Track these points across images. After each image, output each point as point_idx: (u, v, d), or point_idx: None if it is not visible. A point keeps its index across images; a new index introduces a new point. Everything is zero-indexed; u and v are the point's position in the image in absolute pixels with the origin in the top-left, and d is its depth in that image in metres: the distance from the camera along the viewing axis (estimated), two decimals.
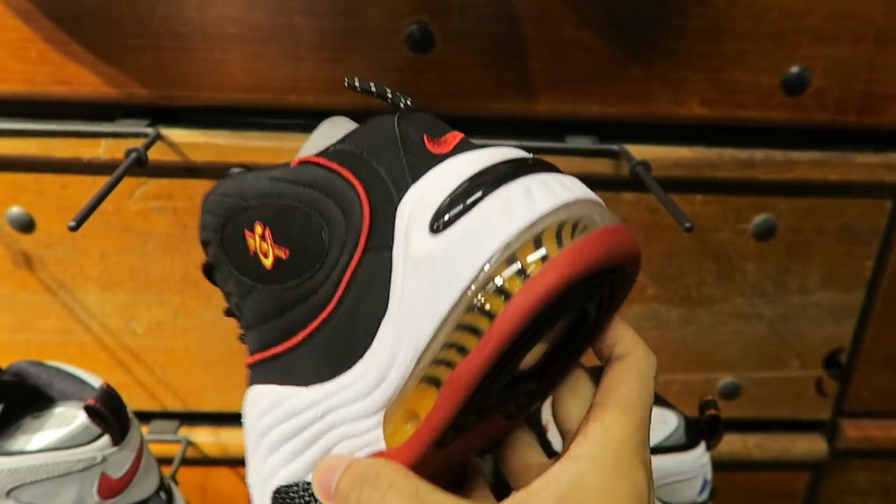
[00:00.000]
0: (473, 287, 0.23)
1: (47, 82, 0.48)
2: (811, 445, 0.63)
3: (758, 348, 0.59)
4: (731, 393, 0.60)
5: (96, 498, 0.39)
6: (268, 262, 0.29)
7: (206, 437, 0.59)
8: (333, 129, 0.30)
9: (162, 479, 0.43)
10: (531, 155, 0.27)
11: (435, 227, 0.24)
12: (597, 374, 0.27)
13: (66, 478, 0.37)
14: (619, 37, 0.48)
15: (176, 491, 0.45)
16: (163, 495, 0.43)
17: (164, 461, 0.49)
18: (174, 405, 0.59)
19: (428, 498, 0.24)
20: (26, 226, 0.52)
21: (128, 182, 0.50)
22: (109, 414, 0.38)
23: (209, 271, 0.33)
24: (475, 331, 0.23)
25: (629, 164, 0.48)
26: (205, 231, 0.31)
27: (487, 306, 0.23)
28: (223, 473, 0.62)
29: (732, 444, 0.62)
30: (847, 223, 0.55)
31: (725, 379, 0.60)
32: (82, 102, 0.49)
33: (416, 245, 0.24)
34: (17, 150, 0.49)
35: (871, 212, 0.54)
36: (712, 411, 0.42)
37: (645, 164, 0.48)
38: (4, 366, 0.41)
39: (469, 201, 0.24)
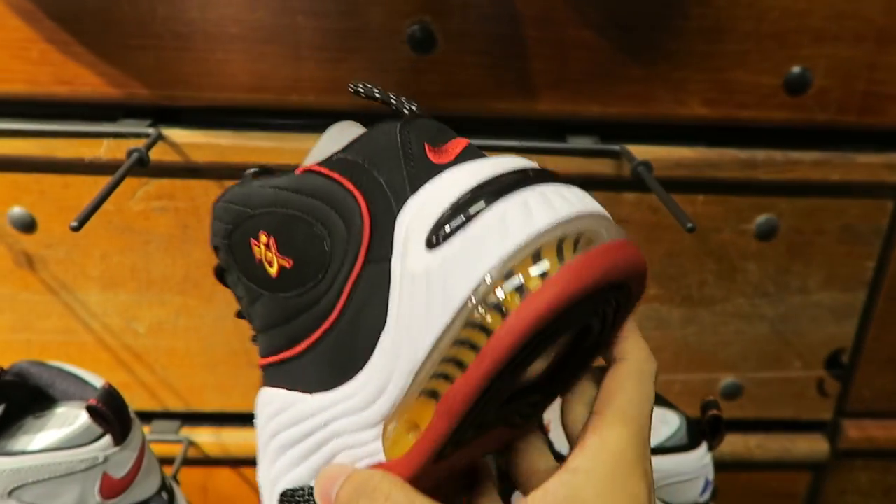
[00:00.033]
0: (473, 300, 0.23)
1: (49, 82, 0.48)
2: (812, 446, 0.63)
3: (759, 348, 0.59)
4: (732, 393, 0.60)
5: (98, 498, 0.39)
6: (273, 271, 0.29)
7: (207, 437, 0.59)
8: (341, 134, 0.30)
9: (163, 479, 0.43)
10: (534, 165, 0.26)
11: (431, 243, 0.24)
12: (601, 374, 0.27)
13: (67, 478, 0.37)
14: (620, 37, 0.48)
15: (177, 491, 0.45)
16: (164, 495, 0.43)
17: (165, 461, 0.49)
18: (175, 405, 0.59)
19: None
20: (28, 226, 0.52)
21: (129, 182, 0.50)
22: (111, 414, 0.38)
23: (221, 274, 0.33)
24: (473, 346, 0.22)
25: (630, 164, 0.48)
26: (214, 237, 0.32)
27: (485, 322, 0.22)
28: (224, 473, 0.62)
29: (734, 444, 0.62)
30: (848, 223, 0.55)
31: (727, 379, 0.60)
32: (84, 102, 0.49)
33: (412, 260, 0.24)
34: (19, 151, 0.49)
35: (873, 212, 0.54)
36: (714, 412, 0.42)
37: (646, 165, 0.48)
38: (6, 366, 0.41)
39: (465, 216, 0.24)
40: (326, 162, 0.29)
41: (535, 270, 0.22)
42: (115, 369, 0.57)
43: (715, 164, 0.51)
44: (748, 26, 0.48)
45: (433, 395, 0.23)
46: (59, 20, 0.46)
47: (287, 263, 0.28)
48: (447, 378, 0.23)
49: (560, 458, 0.26)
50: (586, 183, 0.50)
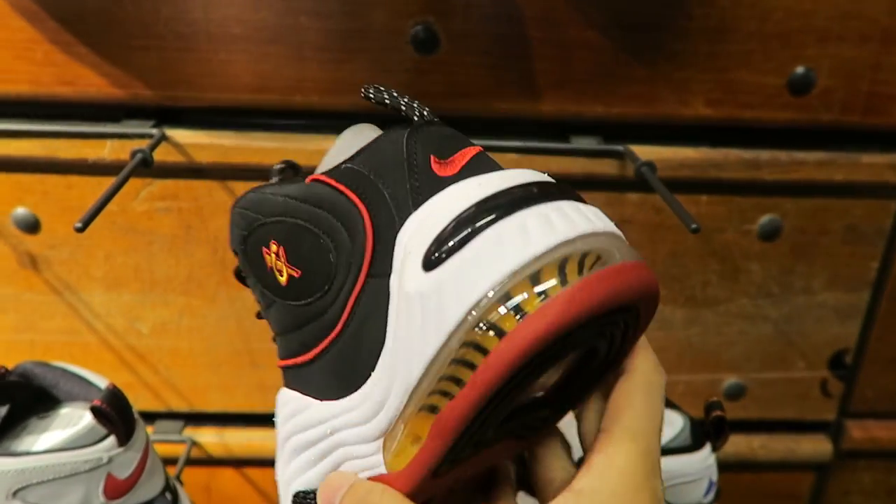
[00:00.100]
0: (470, 321, 0.22)
1: (52, 83, 0.48)
2: (816, 446, 0.63)
3: (762, 349, 0.59)
4: (735, 393, 0.60)
5: (102, 498, 0.39)
6: (283, 280, 0.29)
7: (210, 438, 0.59)
8: (355, 139, 0.30)
9: (167, 479, 0.43)
10: (541, 178, 0.25)
11: (427, 263, 0.23)
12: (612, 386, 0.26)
13: (72, 478, 0.37)
14: (623, 37, 0.48)
15: (181, 491, 0.45)
16: (168, 496, 0.43)
17: (168, 461, 0.49)
18: (179, 405, 0.59)
19: None
20: (31, 226, 0.52)
21: (133, 183, 0.50)
22: (115, 415, 0.38)
23: (241, 277, 0.33)
24: (471, 366, 0.22)
25: (634, 164, 0.48)
26: (232, 242, 0.32)
27: (482, 343, 0.22)
28: (228, 473, 0.62)
29: (737, 444, 0.61)
30: (852, 224, 0.54)
31: (730, 380, 0.60)
32: (87, 103, 0.49)
33: (408, 280, 0.24)
34: (23, 151, 0.49)
35: (877, 212, 0.54)
36: (718, 412, 0.42)
37: (650, 165, 0.48)
38: (10, 366, 0.41)
39: (462, 237, 0.23)
40: (334, 171, 0.28)
41: (533, 292, 0.21)
42: (118, 370, 0.57)
43: (718, 165, 0.51)
44: (752, 26, 0.48)
45: (433, 410, 0.23)
46: (63, 21, 0.46)
47: (295, 273, 0.28)
48: (447, 395, 0.23)
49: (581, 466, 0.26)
50: (589, 183, 0.51)
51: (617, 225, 0.24)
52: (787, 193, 0.53)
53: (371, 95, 0.30)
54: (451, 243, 0.23)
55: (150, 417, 0.59)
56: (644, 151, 0.49)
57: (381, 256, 0.26)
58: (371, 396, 0.25)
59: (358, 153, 0.28)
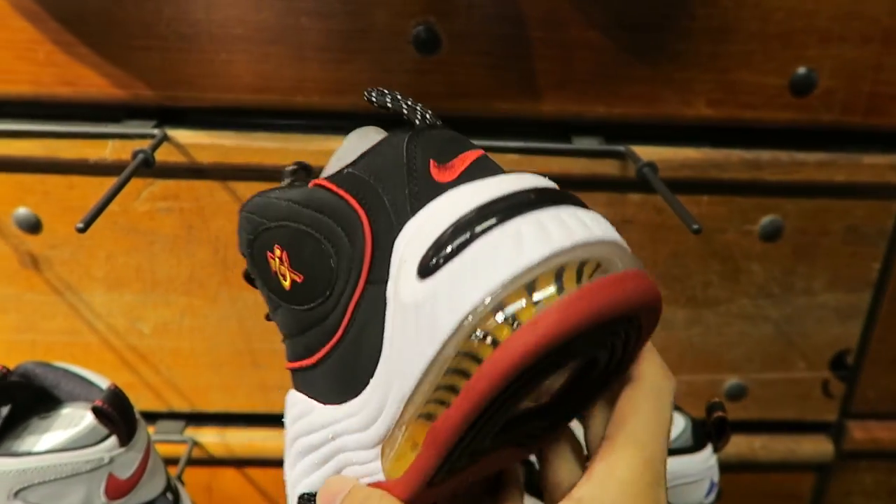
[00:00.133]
0: (465, 330, 0.21)
1: (54, 83, 0.48)
2: (817, 447, 0.63)
3: (764, 349, 0.59)
4: (736, 394, 0.60)
5: (104, 499, 0.39)
6: (286, 284, 0.29)
7: (211, 438, 0.59)
8: (360, 142, 0.29)
9: (169, 479, 0.43)
10: (539, 184, 0.25)
11: (422, 272, 0.23)
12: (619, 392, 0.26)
13: (73, 479, 0.37)
14: (625, 37, 0.48)
15: (182, 491, 0.45)
16: (169, 496, 0.43)
17: (169, 461, 0.49)
18: (180, 405, 0.59)
19: None
20: (33, 226, 0.52)
21: (134, 183, 0.50)
22: (117, 415, 0.38)
23: (250, 279, 0.33)
24: (466, 374, 0.22)
25: (635, 165, 0.48)
26: (240, 245, 0.32)
27: (477, 353, 0.21)
28: (229, 474, 0.62)
29: (738, 445, 0.61)
30: (853, 224, 0.54)
31: (731, 380, 0.60)
32: (88, 103, 0.49)
33: (403, 289, 0.23)
34: (24, 152, 0.49)
35: (878, 213, 0.54)
36: (719, 413, 0.42)
37: (651, 165, 0.48)
38: (11, 367, 0.41)
39: (456, 245, 0.22)
40: (336, 176, 0.28)
41: (530, 301, 0.21)
42: (119, 370, 0.57)
43: (720, 165, 0.51)
44: (754, 27, 0.48)
45: (430, 417, 0.23)
46: (64, 21, 0.46)
47: (298, 278, 0.28)
48: (443, 403, 0.22)
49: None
50: (591, 184, 0.51)
51: (618, 230, 0.24)
52: (788, 194, 0.53)
53: (373, 99, 0.30)
54: (445, 252, 0.23)
55: (151, 417, 0.59)
56: (645, 152, 0.49)
57: (380, 263, 0.25)
58: (370, 403, 0.25)
59: (360, 157, 0.28)
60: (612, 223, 0.25)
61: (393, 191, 0.26)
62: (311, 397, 0.28)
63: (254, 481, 0.62)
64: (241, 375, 0.58)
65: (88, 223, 0.37)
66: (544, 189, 0.24)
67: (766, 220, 0.54)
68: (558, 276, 0.21)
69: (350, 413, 0.26)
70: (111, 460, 0.38)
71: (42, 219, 0.52)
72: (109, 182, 0.42)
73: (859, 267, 0.56)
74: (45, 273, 0.54)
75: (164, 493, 0.42)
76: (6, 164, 0.50)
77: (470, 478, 0.27)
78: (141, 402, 0.58)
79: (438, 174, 0.26)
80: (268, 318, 0.32)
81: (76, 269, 0.54)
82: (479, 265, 0.22)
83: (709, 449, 0.45)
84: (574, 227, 0.22)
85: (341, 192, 0.27)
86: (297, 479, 0.29)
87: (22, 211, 0.52)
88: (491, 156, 0.28)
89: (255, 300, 0.55)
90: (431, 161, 0.26)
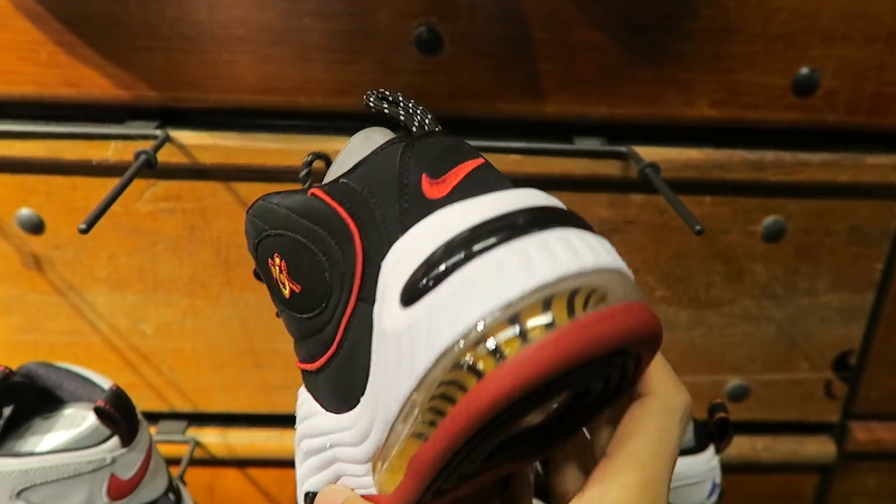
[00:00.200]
0: (445, 360, 0.21)
1: (56, 84, 0.48)
2: (820, 448, 0.62)
3: (766, 350, 0.59)
4: (739, 395, 0.60)
5: (105, 499, 0.39)
6: (286, 292, 0.29)
7: (213, 438, 0.59)
8: (361, 146, 0.28)
9: (171, 479, 0.43)
10: (530, 204, 0.23)
11: (404, 300, 0.22)
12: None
13: (75, 479, 0.37)
14: (628, 38, 0.48)
15: (184, 492, 0.45)
16: (171, 496, 0.43)
17: (171, 462, 0.49)
18: (182, 406, 0.59)
19: None
20: (36, 227, 0.52)
21: (137, 184, 0.50)
22: (119, 415, 0.38)
23: (259, 277, 0.33)
24: (453, 400, 0.21)
25: (638, 165, 0.48)
26: (248, 247, 0.32)
27: (462, 382, 0.20)
28: (231, 474, 0.62)
29: (740, 446, 0.61)
30: (857, 225, 0.54)
31: (734, 381, 0.60)
32: (91, 104, 0.49)
33: (385, 315, 0.23)
34: (27, 152, 0.49)
35: (881, 213, 0.54)
36: (722, 414, 0.42)
37: (654, 166, 0.48)
38: (14, 367, 0.41)
39: (437, 274, 0.21)
40: (332, 185, 0.27)
41: (511, 336, 0.20)
42: (122, 370, 0.57)
43: (723, 166, 0.51)
44: (756, 27, 0.48)
45: (421, 437, 0.22)
46: (67, 22, 0.46)
47: (296, 288, 0.28)
48: (434, 425, 0.22)
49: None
50: (593, 184, 0.51)
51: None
52: (791, 194, 0.53)
53: (371, 104, 0.29)
54: (424, 282, 0.22)
55: (153, 418, 0.59)
56: (648, 152, 0.49)
57: (370, 281, 0.25)
58: (361, 420, 0.25)
59: (356, 166, 0.27)
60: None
61: (384, 206, 0.25)
62: (316, 399, 0.29)
63: (256, 482, 0.62)
64: (242, 376, 0.58)
65: (91, 224, 0.37)
66: (534, 211, 0.22)
67: (769, 220, 0.54)
68: (546, 308, 0.20)
69: (344, 426, 0.26)
70: (113, 461, 0.38)
71: (45, 219, 0.52)
72: (112, 183, 0.42)
73: (862, 267, 0.56)
74: (48, 274, 0.54)
75: (165, 494, 0.42)
76: (9, 165, 0.50)
77: (469, 490, 0.27)
78: (143, 402, 0.58)
79: (430, 190, 0.25)
80: (277, 315, 0.33)
81: (79, 270, 0.54)
82: (459, 298, 0.21)
83: (711, 450, 0.45)
84: (563, 256, 0.21)
85: (334, 205, 0.26)
86: (303, 477, 0.29)
87: (25, 212, 0.52)
88: (493, 157, 0.28)
89: (257, 301, 0.55)
90: (424, 175, 0.25)
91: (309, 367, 0.29)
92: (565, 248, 0.21)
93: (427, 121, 0.28)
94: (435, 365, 0.21)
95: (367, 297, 0.25)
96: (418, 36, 0.47)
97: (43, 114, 0.50)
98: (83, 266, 0.54)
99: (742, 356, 0.59)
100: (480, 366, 0.20)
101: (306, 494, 0.28)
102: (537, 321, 0.20)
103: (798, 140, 0.52)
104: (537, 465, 0.31)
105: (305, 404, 0.29)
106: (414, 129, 0.28)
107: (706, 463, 0.44)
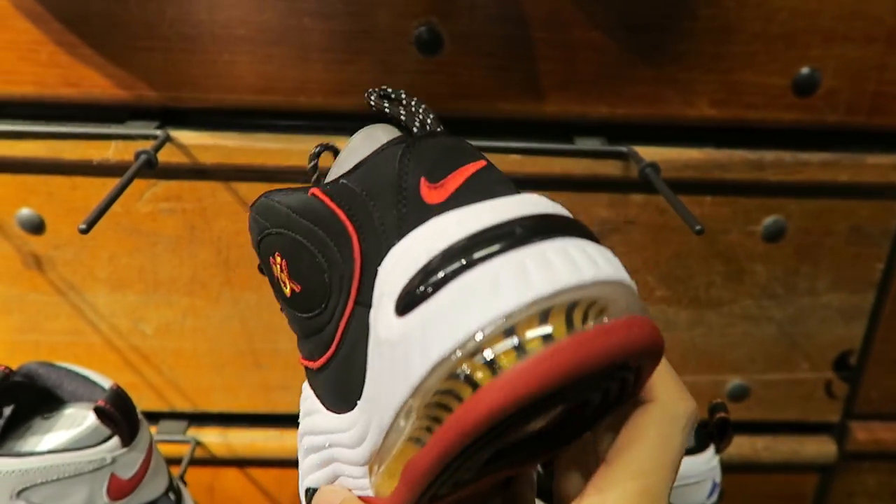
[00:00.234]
0: (441, 369, 0.20)
1: (57, 84, 0.48)
2: (820, 448, 0.62)
3: (766, 350, 0.59)
4: (739, 395, 0.60)
5: (106, 499, 0.39)
6: (287, 291, 0.29)
7: (214, 438, 0.59)
8: (363, 144, 0.28)
9: (171, 479, 0.43)
10: (530, 212, 0.22)
11: (399, 309, 0.22)
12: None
13: (76, 479, 0.37)
14: (628, 38, 0.48)
15: (185, 492, 0.45)
16: (172, 496, 0.43)
17: (172, 461, 0.49)
18: (183, 406, 0.59)
19: None
20: (36, 227, 0.52)
21: (137, 184, 0.50)
22: (119, 415, 0.38)
23: (263, 272, 0.33)
24: (448, 408, 0.21)
25: (638, 165, 0.48)
26: (252, 243, 0.31)
27: (456, 391, 0.20)
28: (231, 474, 0.62)
29: (741, 445, 0.61)
30: (857, 224, 0.54)
31: (734, 381, 0.60)
32: (92, 104, 0.49)
33: (380, 323, 0.22)
34: (27, 152, 0.49)
35: (882, 213, 0.54)
36: (722, 414, 0.42)
37: (654, 166, 0.48)
38: (15, 367, 0.41)
39: (432, 283, 0.21)
40: (331, 186, 0.27)
41: (505, 349, 0.20)
42: (122, 370, 0.57)
43: (723, 166, 0.51)
44: (757, 27, 0.48)
45: (419, 442, 0.22)
46: (67, 22, 0.46)
47: (296, 288, 0.28)
48: (430, 430, 0.21)
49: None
50: (593, 184, 0.51)
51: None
52: (791, 194, 0.53)
53: (372, 103, 0.29)
54: (419, 290, 0.21)
55: (153, 418, 0.59)
56: (648, 152, 0.49)
57: (367, 285, 0.24)
58: (357, 423, 0.25)
59: (357, 166, 0.27)
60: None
61: (383, 209, 0.25)
62: (317, 396, 0.28)
63: (256, 481, 0.62)
64: (243, 376, 0.58)
65: (91, 224, 0.37)
66: (536, 218, 0.22)
67: (769, 220, 0.54)
68: (543, 320, 0.20)
69: (343, 427, 0.26)
70: (113, 460, 0.38)
71: (45, 219, 0.52)
72: (112, 183, 0.42)
73: (863, 267, 0.56)
74: (49, 274, 0.54)
75: (166, 493, 0.42)
76: (10, 165, 0.50)
77: (468, 492, 0.26)
78: (143, 402, 0.58)
79: (429, 194, 0.24)
80: (281, 310, 0.32)
81: (79, 270, 0.54)
82: (454, 308, 0.20)
83: (711, 450, 0.45)
84: (560, 267, 0.20)
85: (333, 206, 0.26)
86: (304, 472, 0.29)
87: (25, 212, 0.52)
88: (493, 157, 0.27)
89: (258, 301, 0.55)
90: (423, 179, 0.25)
91: (310, 364, 0.28)
92: (563, 260, 0.20)
93: (429, 120, 0.28)
94: (430, 374, 0.20)
95: (365, 300, 0.24)
96: (418, 36, 0.47)
97: (43, 114, 0.50)
98: (83, 266, 0.54)
99: (742, 356, 0.59)
100: (478, 376, 0.20)
101: (307, 490, 0.28)
102: (534, 333, 0.20)
103: (798, 140, 0.52)
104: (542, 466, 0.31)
105: (308, 399, 0.29)
106: (415, 129, 0.27)
107: (706, 463, 0.44)
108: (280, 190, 0.29)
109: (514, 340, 0.20)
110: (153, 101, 0.49)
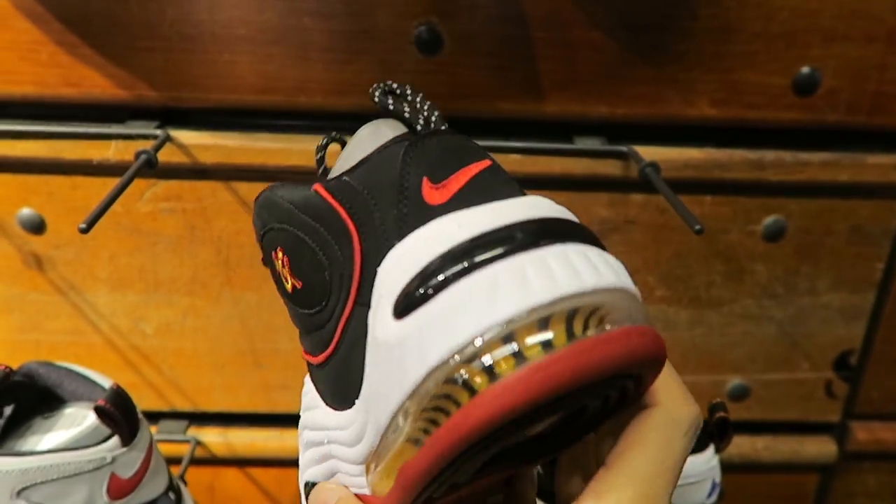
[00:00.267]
0: (438, 374, 0.20)
1: (57, 84, 0.48)
2: (820, 447, 0.62)
3: (767, 350, 0.59)
4: (739, 395, 0.60)
5: (106, 498, 0.39)
6: (288, 287, 0.28)
7: (214, 437, 0.59)
8: (369, 139, 0.27)
9: (171, 479, 0.43)
10: (532, 216, 0.22)
11: (396, 312, 0.21)
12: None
13: (76, 478, 0.37)
14: (628, 37, 0.48)
15: (185, 491, 0.45)
16: (172, 495, 0.43)
17: (172, 461, 0.49)
18: (183, 405, 0.59)
19: None
20: (37, 227, 0.52)
21: (137, 183, 0.50)
22: (119, 415, 0.38)
23: (266, 265, 0.33)
24: (445, 412, 0.20)
25: (638, 165, 0.48)
26: (256, 237, 0.31)
27: (453, 395, 0.20)
28: (231, 473, 0.62)
29: (741, 445, 0.61)
30: (858, 224, 0.54)
31: (734, 380, 0.60)
32: (92, 104, 0.49)
33: (378, 325, 0.22)
34: (28, 152, 0.49)
35: (882, 213, 0.54)
36: (721, 414, 0.42)
37: (654, 166, 0.48)
38: (15, 366, 0.41)
39: (431, 286, 0.21)
40: (333, 182, 0.26)
41: (503, 356, 0.20)
42: (122, 370, 0.57)
43: (723, 165, 0.51)
44: (757, 26, 0.48)
45: (417, 443, 0.22)
46: (68, 22, 0.46)
47: (298, 284, 0.28)
48: (427, 432, 0.21)
49: None
50: (593, 184, 0.51)
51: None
52: (791, 194, 0.53)
53: (376, 98, 0.28)
54: (417, 294, 0.21)
55: (153, 417, 0.59)
56: (648, 152, 0.49)
57: (367, 285, 0.24)
58: (355, 422, 0.25)
59: (360, 163, 0.26)
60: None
61: (384, 209, 0.24)
62: (318, 391, 0.28)
63: (256, 481, 0.62)
64: (243, 375, 0.58)
65: (91, 224, 0.37)
66: (538, 222, 0.22)
67: (769, 220, 0.54)
68: (543, 328, 0.20)
69: (341, 425, 0.26)
70: (113, 460, 0.38)
71: (46, 219, 0.52)
72: (113, 183, 0.42)
73: (863, 267, 0.56)
74: (49, 273, 0.54)
75: (166, 493, 0.42)
76: (10, 165, 0.50)
77: (466, 493, 0.26)
78: (143, 401, 0.58)
79: (431, 195, 0.24)
80: (285, 304, 0.32)
81: (80, 270, 0.54)
82: (452, 313, 0.20)
83: (711, 449, 0.45)
84: (560, 274, 0.20)
85: (334, 204, 0.26)
86: (304, 466, 0.29)
87: (26, 211, 0.52)
88: (494, 157, 0.26)
89: (258, 301, 0.55)
90: (425, 179, 0.24)
91: (312, 359, 0.28)
92: (564, 266, 0.20)
93: (434, 118, 0.27)
94: (426, 379, 0.20)
95: (364, 300, 0.24)
96: (418, 36, 0.47)
97: (43, 114, 0.50)
98: (84, 266, 0.54)
99: (742, 356, 0.59)
100: (476, 381, 0.20)
101: (306, 484, 0.28)
102: (533, 340, 0.20)
103: (798, 140, 0.52)
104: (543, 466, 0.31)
105: (309, 394, 0.29)
106: (419, 126, 0.27)
107: (706, 462, 0.44)
108: (283, 185, 0.29)
109: (513, 347, 0.19)
110: (153, 101, 0.49)
